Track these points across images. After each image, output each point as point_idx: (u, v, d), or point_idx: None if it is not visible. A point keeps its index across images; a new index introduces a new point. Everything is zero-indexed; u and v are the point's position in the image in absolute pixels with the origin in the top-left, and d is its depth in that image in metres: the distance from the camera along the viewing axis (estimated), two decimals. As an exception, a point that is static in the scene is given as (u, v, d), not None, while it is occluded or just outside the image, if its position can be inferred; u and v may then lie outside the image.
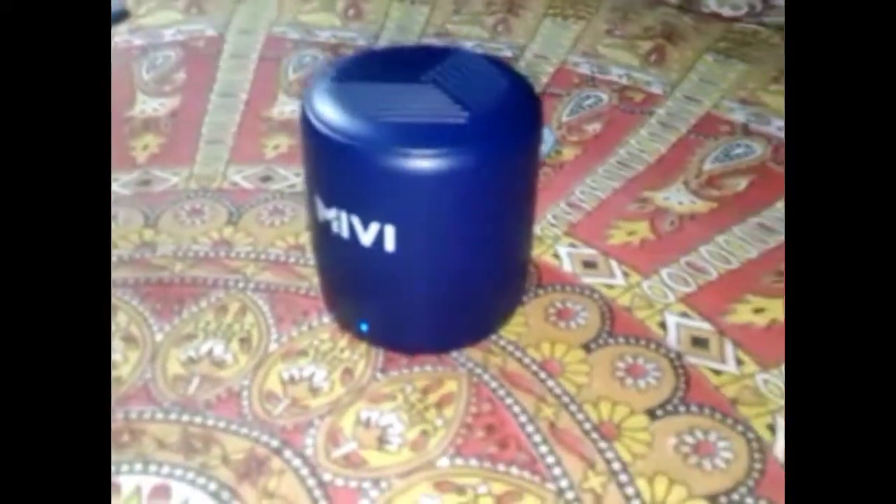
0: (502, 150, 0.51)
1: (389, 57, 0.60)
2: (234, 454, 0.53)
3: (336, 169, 0.52)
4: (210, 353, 0.60)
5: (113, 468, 0.52)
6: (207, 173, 0.79)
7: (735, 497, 0.50)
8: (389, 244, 0.52)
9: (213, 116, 0.87)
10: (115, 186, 0.77)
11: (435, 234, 0.53)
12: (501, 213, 0.54)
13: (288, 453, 0.53)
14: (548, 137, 0.80)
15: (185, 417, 0.56)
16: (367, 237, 0.52)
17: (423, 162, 0.50)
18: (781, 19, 1.06)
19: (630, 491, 0.51)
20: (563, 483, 0.51)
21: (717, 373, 0.58)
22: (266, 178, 0.78)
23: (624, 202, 0.75)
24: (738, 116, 0.87)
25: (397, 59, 0.58)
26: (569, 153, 0.82)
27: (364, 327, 0.59)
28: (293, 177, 0.78)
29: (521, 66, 0.96)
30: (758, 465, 0.52)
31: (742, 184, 0.78)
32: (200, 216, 0.73)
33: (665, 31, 1.03)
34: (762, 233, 0.71)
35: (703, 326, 0.62)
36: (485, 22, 1.06)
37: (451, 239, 0.53)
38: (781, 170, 0.79)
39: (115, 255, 0.69)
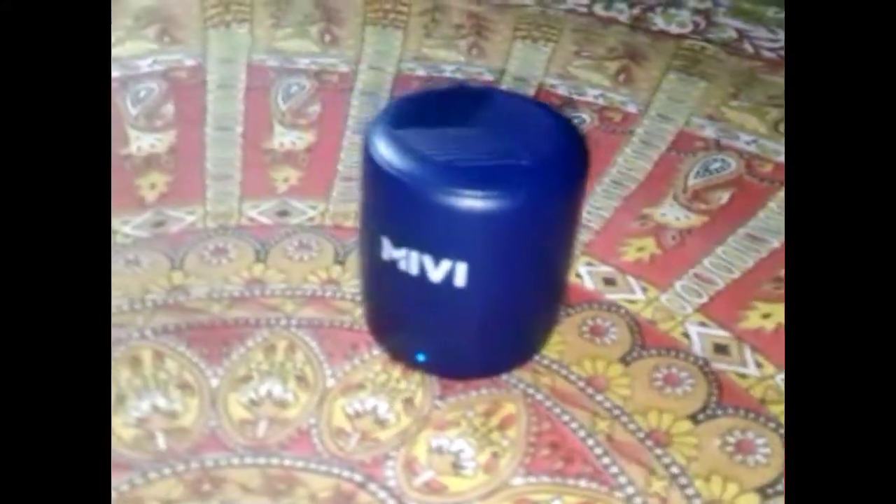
0: (559, 191, 0.56)
1: (438, 100, 0.63)
2: (321, 492, 0.55)
3: (409, 212, 0.55)
4: (270, 393, 0.62)
5: (203, 517, 0.53)
6: (222, 210, 0.79)
7: (780, 487, 0.57)
8: (460, 280, 0.55)
9: (214, 151, 0.87)
10: (128, 229, 0.76)
11: (501, 268, 0.57)
12: (554, 246, 0.59)
13: (373, 486, 0.56)
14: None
15: (262, 460, 0.57)
16: (437, 274, 0.56)
17: (495, 203, 0.53)
18: (726, 35, 1.16)
19: (690, 491, 0.56)
20: (630, 490, 0.56)
21: (743, 376, 0.65)
22: (283, 213, 0.79)
23: (627, 220, 0.81)
24: (709, 132, 0.95)
25: (447, 102, 0.61)
26: None
27: (421, 358, 0.62)
28: (309, 209, 0.79)
29: (504, 89, 1.01)
30: (790, 457, 0.59)
31: (724, 197, 0.85)
32: (226, 255, 0.74)
33: (628, 51, 1.10)
34: (753, 243, 0.79)
35: (721, 334, 0.69)
36: (458, 45, 1.10)
37: (513, 272, 0.57)
38: (757, 182, 0.87)
39: (148, 300, 0.69)
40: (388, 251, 0.57)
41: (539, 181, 0.54)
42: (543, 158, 0.55)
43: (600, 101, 0.99)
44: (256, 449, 0.58)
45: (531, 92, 1.01)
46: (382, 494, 0.55)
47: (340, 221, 0.78)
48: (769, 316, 0.70)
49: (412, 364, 0.63)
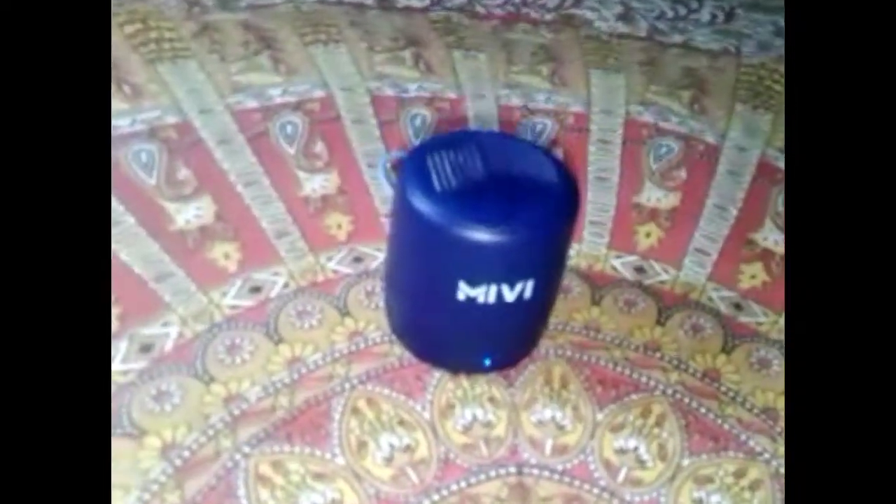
0: (571, 216, 0.72)
1: (457, 147, 0.72)
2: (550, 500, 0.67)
3: (478, 256, 0.67)
4: (393, 446, 0.69)
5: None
6: (197, 311, 0.77)
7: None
8: (528, 293, 0.69)
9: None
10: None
11: (550, 279, 0.73)
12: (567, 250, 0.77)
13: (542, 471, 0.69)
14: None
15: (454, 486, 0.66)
16: (511, 295, 0.69)
17: (547, 235, 0.69)
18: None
19: (691, 370, 0.81)
20: (661, 387, 0.79)
21: (759, 324, 0.85)
22: (255, 289, 0.80)
23: (626, 212, 0.93)
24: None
25: (466, 150, 0.71)
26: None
27: (488, 362, 0.75)
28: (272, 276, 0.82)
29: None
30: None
31: (682, 174, 0.98)
32: (242, 352, 0.74)
33: (697, 82, 1.12)
34: (721, 209, 0.95)
35: (730, 295, 0.87)
36: (541, 72, 1.11)
37: (556, 280, 0.75)
38: (700, 160, 1.03)
39: (216, 421, 0.67)
40: (467, 291, 0.68)
41: (561, 212, 0.70)
42: (557, 195, 0.70)
43: (683, 129, 1.05)
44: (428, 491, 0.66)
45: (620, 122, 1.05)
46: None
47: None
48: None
49: (474, 370, 0.76)
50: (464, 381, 0.76)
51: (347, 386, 0.73)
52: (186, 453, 0.65)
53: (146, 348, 0.73)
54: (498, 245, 0.66)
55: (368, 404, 0.72)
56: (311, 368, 0.74)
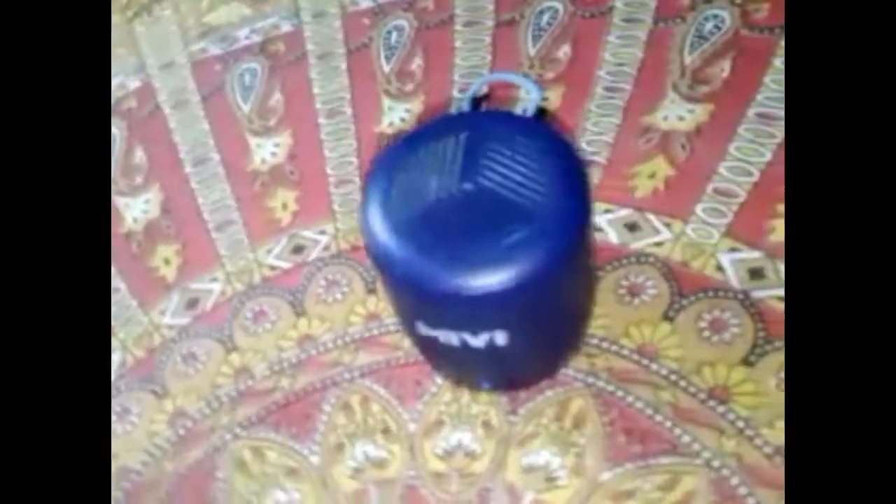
0: (567, 245, 0.55)
1: (431, 154, 0.58)
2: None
3: (433, 306, 0.56)
4: (367, 456, 0.68)
5: None
6: (241, 266, 0.80)
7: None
8: (501, 341, 0.58)
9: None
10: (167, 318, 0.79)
11: (537, 322, 0.58)
12: (576, 284, 0.59)
13: (488, 524, 0.64)
14: (532, 91, 0.80)
15: (395, 519, 0.65)
16: (478, 342, 0.58)
17: (511, 282, 0.53)
18: None
19: (759, 442, 0.62)
20: (707, 455, 0.62)
21: (782, 298, 0.67)
22: (298, 249, 0.80)
23: (630, 139, 0.78)
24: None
25: (431, 154, 0.58)
26: (554, 95, 0.83)
27: (486, 385, 0.67)
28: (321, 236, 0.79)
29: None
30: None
31: (725, 69, 0.80)
32: (267, 318, 0.76)
33: None
34: (765, 124, 0.75)
35: (753, 256, 0.70)
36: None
37: (552, 317, 0.59)
38: (757, 36, 0.81)
39: (223, 395, 0.73)
40: (426, 330, 0.59)
41: (546, 247, 0.53)
42: (546, 218, 0.53)
43: None
44: (380, 512, 0.65)
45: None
46: (498, 529, 0.63)
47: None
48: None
49: (475, 387, 0.68)
50: (464, 396, 0.68)
51: (347, 377, 0.72)
52: (189, 423, 0.73)
53: (192, 304, 0.79)
54: (449, 296, 0.55)
55: (361, 402, 0.70)
56: (319, 351, 0.74)
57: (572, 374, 0.67)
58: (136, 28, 1.00)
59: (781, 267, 0.69)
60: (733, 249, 0.70)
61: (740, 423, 0.63)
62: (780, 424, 0.62)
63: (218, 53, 0.94)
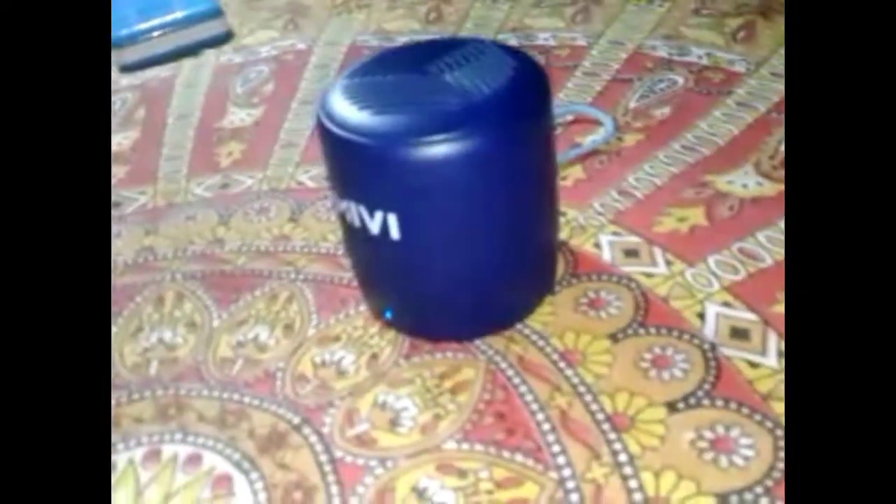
0: (499, 133, 0.51)
1: (401, 53, 0.61)
2: (259, 429, 0.57)
3: (341, 162, 0.55)
4: (256, 337, 0.65)
5: (156, 437, 0.58)
6: (278, 175, 0.85)
7: (747, 496, 0.46)
8: (394, 232, 0.54)
9: (291, 123, 0.93)
10: (198, 189, 0.85)
11: (437, 222, 0.53)
12: (509, 199, 0.54)
13: (307, 430, 0.56)
14: (607, 124, 0.78)
15: (226, 395, 0.60)
16: (374, 226, 0.54)
17: (416, 150, 0.51)
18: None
19: (633, 484, 0.48)
20: (566, 472, 0.50)
21: (754, 365, 0.54)
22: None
23: (681, 188, 0.71)
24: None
25: (408, 54, 0.59)
26: (631, 139, 0.79)
27: (388, 315, 0.61)
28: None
29: (593, 54, 0.94)
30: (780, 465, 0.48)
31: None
32: (266, 214, 0.79)
33: (762, 6, 0.96)
34: None
35: (745, 316, 0.57)
36: (564, 13, 1.04)
37: (456, 227, 0.54)
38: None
39: (189, 250, 0.76)
40: (338, 204, 0.57)
41: (468, 123, 0.50)
42: (482, 100, 0.51)
43: (703, 61, 0.88)
44: (226, 384, 0.61)
45: (623, 56, 0.93)
46: (313, 439, 0.55)
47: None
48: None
49: (386, 322, 0.63)
50: (375, 328, 0.63)
51: (291, 277, 0.70)
52: (151, 258, 0.76)
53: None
54: (343, 149, 0.53)
55: (287, 299, 0.68)
56: (287, 249, 0.74)
57: (483, 348, 0.59)
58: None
59: (772, 336, 0.55)
60: (726, 304, 0.59)
61: (622, 457, 0.49)
62: (670, 476, 0.48)
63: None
